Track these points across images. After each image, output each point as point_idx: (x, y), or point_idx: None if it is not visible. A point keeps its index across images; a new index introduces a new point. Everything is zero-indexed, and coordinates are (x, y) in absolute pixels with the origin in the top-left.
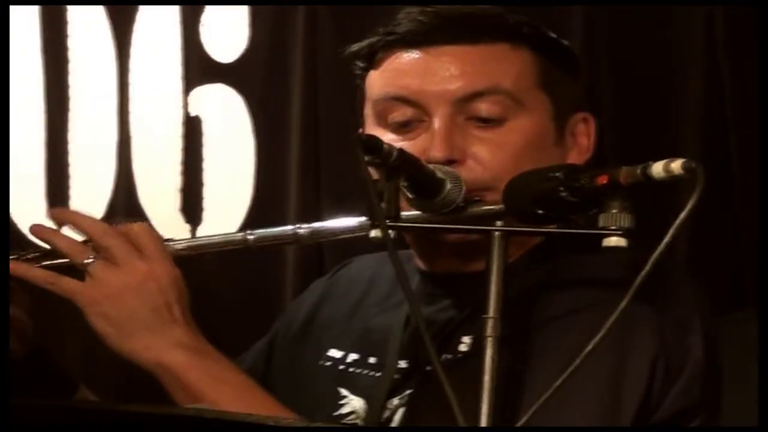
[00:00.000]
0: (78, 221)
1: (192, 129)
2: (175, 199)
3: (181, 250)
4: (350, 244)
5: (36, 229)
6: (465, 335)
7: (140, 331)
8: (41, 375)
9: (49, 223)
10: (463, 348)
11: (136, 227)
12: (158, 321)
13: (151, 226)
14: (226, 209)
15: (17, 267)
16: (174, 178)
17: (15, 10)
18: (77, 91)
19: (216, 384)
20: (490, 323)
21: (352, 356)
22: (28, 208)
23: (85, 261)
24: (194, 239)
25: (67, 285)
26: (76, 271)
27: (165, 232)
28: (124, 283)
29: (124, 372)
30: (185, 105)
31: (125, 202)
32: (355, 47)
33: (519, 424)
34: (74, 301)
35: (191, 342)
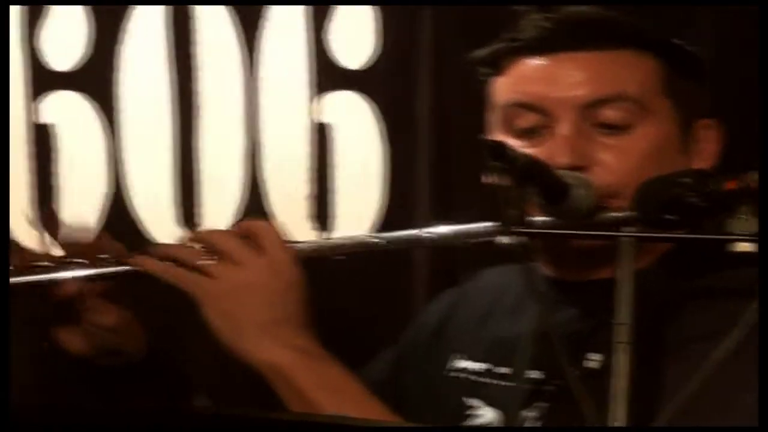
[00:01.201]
0: (192, 238)
1: (320, 136)
2: (303, 207)
3: (306, 251)
4: (480, 251)
5: (140, 262)
6: (593, 351)
7: (254, 329)
8: (157, 378)
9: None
10: (590, 365)
11: (260, 225)
12: (273, 321)
13: (276, 225)
14: (356, 216)
15: (142, 261)
16: (303, 186)
17: (142, 15)
18: (205, 97)
19: (326, 387)
20: (620, 330)
21: (482, 366)
22: (159, 215)
23: (200, 262)
24: (320, 241)
25: (188, 278)
26: None
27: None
28: (244, 280)
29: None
30: (312, 112)
31: (254, 209)
32: (479, 53)
33: None
34: (193, 295)
35: (304, 345)
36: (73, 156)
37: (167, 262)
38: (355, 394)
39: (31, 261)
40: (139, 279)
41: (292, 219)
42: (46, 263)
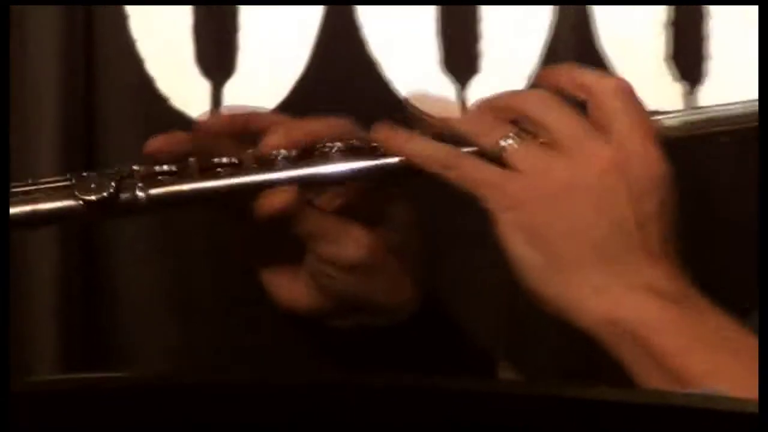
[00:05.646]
0: (488, 103)
1: None
2: None
3: (676, 127)
4: None
5: (403, 147)
6: None
7: (588, 261)
8: (433, 346)
9: None
10: None
11: (607, 86)
12: (621, 247)
13: (630, 87)
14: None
15: (406, 146)
16: None
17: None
18: None
19: (708, 353)
20: None
21: None
22: None
23: (501, 142)
24: (699, 109)
25: (474, 172)
26: None
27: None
28: (570, 178)
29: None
30: None
31: None
32: None
33: None
34: (482, 198)
35: (669, 285)
36: None
37: (446, 147)
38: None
39: (211, 157)
40: (399, 177)
41: None
42: (232, 160)
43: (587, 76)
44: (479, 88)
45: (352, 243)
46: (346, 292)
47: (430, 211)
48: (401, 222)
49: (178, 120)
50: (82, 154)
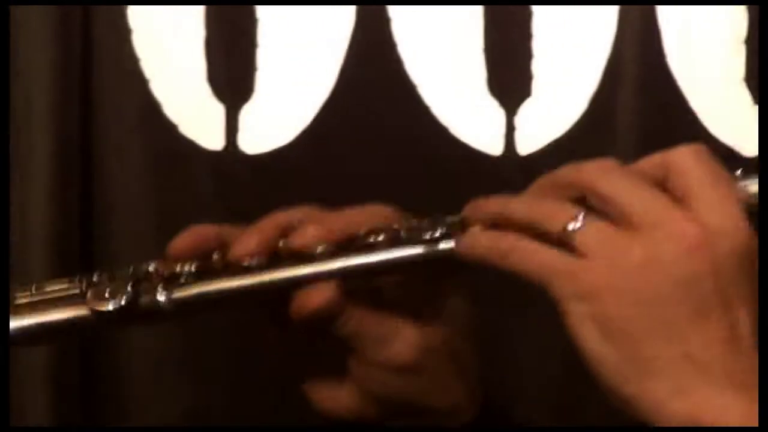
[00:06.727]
0: (546, 182)
1: None
2: None
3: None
4: None
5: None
6: None
7: (670, 358)
8: None
9: None
10: None
11: (684, 153)
12: (706, 341)
13: (708, 151)
14: None
15: (470, 241)
16: None
17: None
18: None
19: None
20: None
21: None
22: None
23: (569, 225)
24: None
25: (538, 257)
26: None
27: None
28: (648, 261)
29: None
30: None
31: None
32: None
33: None
34: (548, 286)
35: (754, 379)
36: None
37: (503, 233)
38: None
39: (237, 256)
40: (452, 268)
41: None
42: (260, 259)
43: (657, 155)
44: (530, 115)
45: (401, 343)
46: (394, 395)
47: (488, 305)
48: (456, 317)
49: (187, 150)
50: (77, 191)
